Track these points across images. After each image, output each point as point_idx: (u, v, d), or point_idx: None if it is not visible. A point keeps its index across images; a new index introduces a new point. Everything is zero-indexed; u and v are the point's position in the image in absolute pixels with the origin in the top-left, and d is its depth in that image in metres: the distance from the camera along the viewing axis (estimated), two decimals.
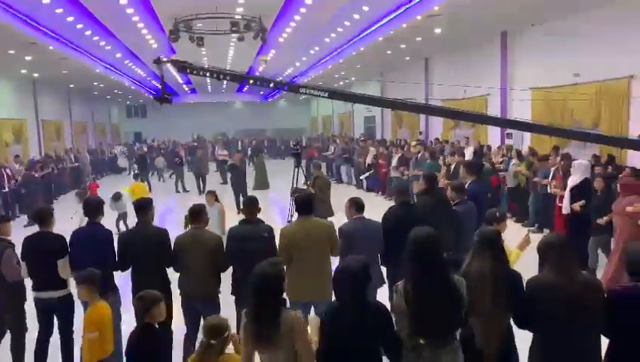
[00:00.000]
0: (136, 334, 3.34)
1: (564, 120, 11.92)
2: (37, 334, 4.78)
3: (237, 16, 13.70)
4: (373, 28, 14.79)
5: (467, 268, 3.28)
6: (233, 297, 4.85)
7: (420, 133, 20.75)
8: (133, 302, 4.28)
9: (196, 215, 4.73)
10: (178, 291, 4.72)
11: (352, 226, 4.91)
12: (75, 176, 19.26)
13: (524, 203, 10.69)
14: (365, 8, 12.59)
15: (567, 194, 7.90)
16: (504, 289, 3.14)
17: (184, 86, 31.98)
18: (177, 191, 17.54)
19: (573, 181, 7.84)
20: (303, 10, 12.82)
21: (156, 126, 37.50)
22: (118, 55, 18.29)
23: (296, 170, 8.36)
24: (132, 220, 7.09)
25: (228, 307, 4.76)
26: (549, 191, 9.31)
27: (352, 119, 31.62)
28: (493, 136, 15.34)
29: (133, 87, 27.36)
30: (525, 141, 13.53)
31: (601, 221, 6.96)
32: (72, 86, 24.56)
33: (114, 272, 4.79)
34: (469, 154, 12.59)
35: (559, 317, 2.99)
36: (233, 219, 6.67)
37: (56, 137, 23.39)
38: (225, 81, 14.87)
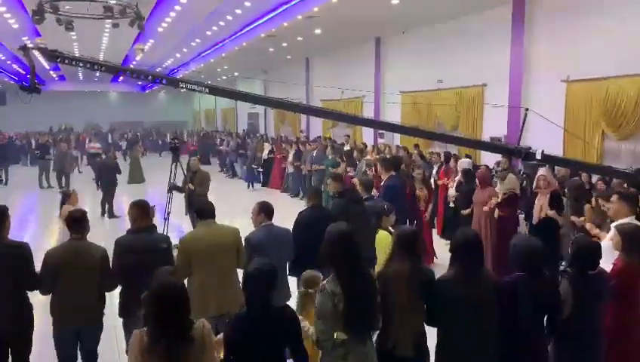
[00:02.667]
0: None
1: (430, 122, 13.03)
2: None
3: (111, 1, 12.94)
4: (255, 24, 14.84)
5: (385, 269, 3.23)
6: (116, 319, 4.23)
7: (302, 131, 21.28)
8: None
9: (77, 222, 3.95)
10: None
11: (261, 235, 4.41)
12: None
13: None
14: (247, 4, 12.60)
15: (453, 189, 8.75)
16: (420, 291, 3.15)
17: (51, 72, 29.28)
18: (41, 187, 16.15)
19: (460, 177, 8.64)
20: (183, 0, 12.50)
21: (18, 115, 33.68)
22: None
23: (174, 165, 8.08)
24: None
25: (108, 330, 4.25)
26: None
27: (235, 114, 31.40)
28: (367, 135, 16.24)
29: None
30: (396, 140, 14.52)
31: (464, 212, 7.61)
32: None
33: None
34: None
35: (465, 311, 3.08)
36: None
37: None
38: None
